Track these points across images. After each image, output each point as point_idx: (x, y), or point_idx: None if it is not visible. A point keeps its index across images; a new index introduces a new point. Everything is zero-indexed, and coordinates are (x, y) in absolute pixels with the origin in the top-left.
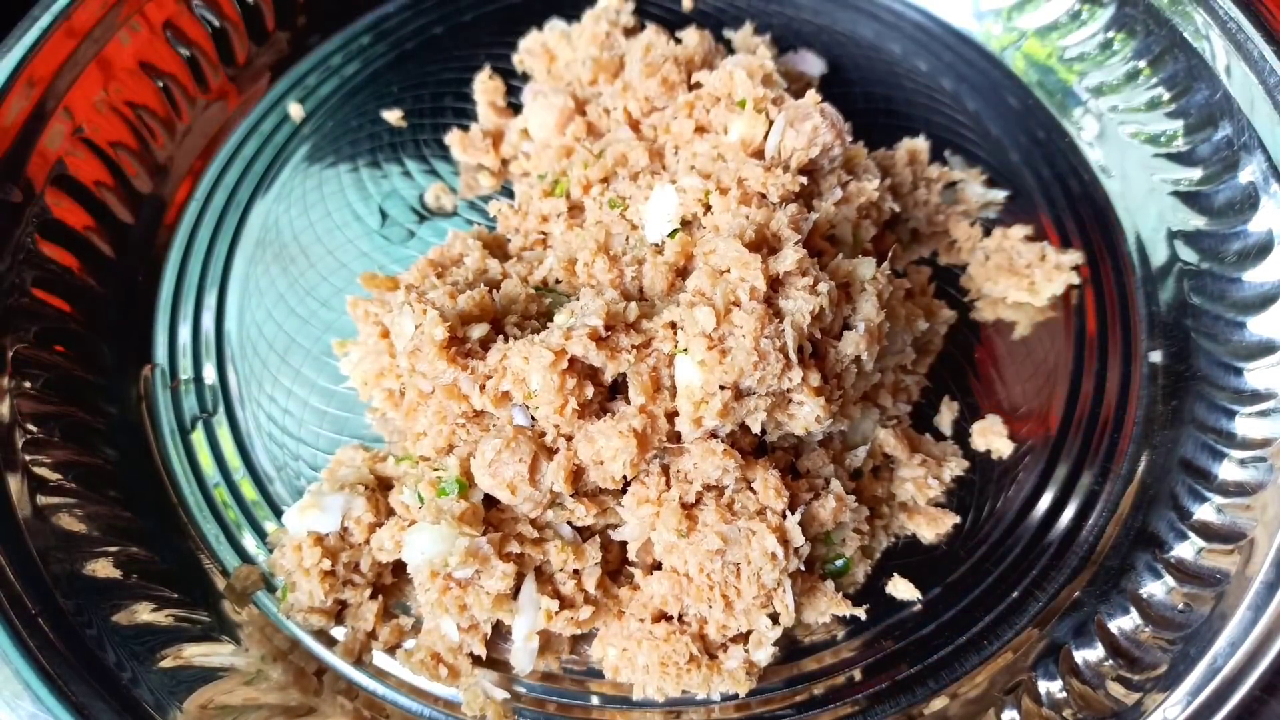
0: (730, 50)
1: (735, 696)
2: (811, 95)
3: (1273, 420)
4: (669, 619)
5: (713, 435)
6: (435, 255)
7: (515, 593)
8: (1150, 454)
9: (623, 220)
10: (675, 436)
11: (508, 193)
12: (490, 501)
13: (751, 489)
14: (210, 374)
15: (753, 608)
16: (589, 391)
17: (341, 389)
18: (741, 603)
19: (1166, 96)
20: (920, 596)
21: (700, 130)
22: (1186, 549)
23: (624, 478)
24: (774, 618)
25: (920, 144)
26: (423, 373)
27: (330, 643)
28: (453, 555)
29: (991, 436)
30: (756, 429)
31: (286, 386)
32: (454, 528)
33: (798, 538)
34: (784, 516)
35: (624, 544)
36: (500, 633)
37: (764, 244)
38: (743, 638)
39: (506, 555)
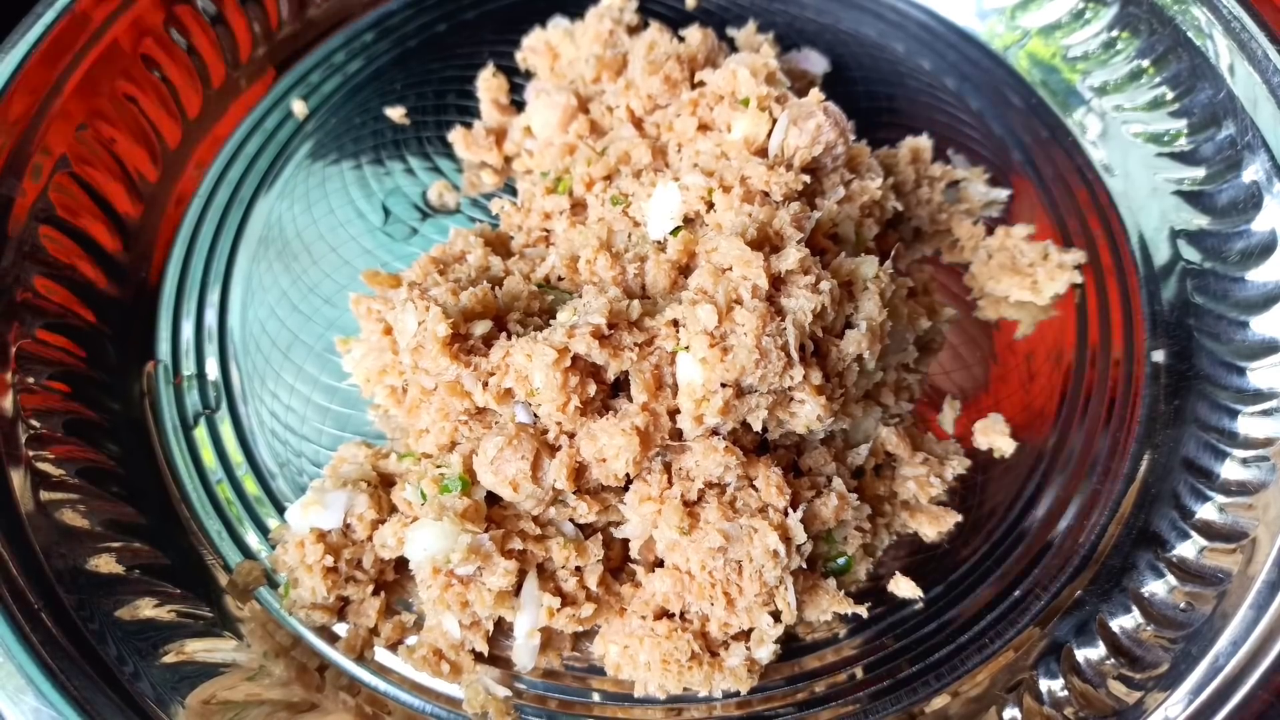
0: (733, 48)
1: (737, 694)
2: (815, 94)
3: (1275, 420)
4: (671, 616)
5: (714, 433)
6: (438, 253)
7: (517, 590)
8: (1152, 453)
9: (625, 218)
10: (677, 434)
11: (510, 190)
12: (492, 499)
13: (753, 487)
14: (213, 370)
15: (754, 605)
16: (591, 389)
17: (344, 386)
18: (743, 600)
19: (1170, 96)
20: (922, 595)
21: (703, 128)
22: (1188, 548)
23: (626, 475)
24: (776, 615)
25: (923, 143)
26: (425, 370)
27: (332, 639)
28: (455, 552)
29: (993, 435)
30: (758, 427)
31: (289, 383)
32: (456, 525)
33: (799, 535)
34: (786, 514)
35: (626, 541)
36: (502, 629)
37: (766, 242)
38: (744, 635)
39: (508, 552)
